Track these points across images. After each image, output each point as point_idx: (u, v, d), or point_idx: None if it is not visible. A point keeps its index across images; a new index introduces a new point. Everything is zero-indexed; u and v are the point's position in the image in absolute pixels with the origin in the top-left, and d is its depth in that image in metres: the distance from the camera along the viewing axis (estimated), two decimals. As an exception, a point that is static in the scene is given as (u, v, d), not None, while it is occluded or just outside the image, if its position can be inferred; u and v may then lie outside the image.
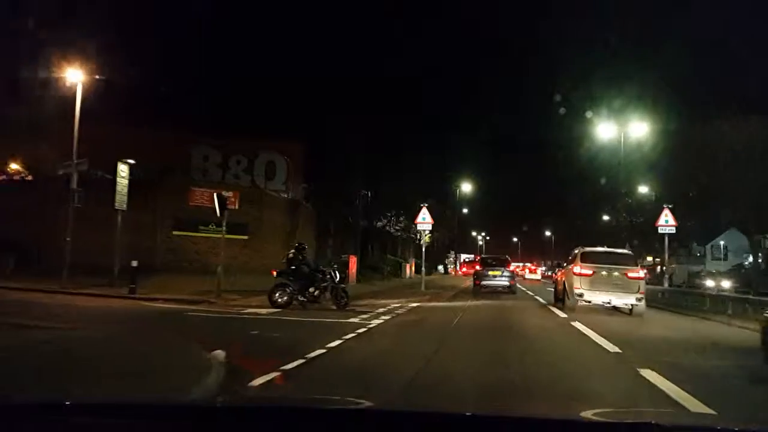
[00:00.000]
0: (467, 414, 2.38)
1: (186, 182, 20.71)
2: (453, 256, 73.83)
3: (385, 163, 37.47)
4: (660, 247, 29.43)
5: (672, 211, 23.41)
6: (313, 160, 34.54)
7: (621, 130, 32.83)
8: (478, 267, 26.99)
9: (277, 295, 14.45)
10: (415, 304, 16.88)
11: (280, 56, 43.58)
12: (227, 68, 39.75)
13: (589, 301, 16.03)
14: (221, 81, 39.66)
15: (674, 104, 32.69)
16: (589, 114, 33.71)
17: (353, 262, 26.26)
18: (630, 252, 20.43)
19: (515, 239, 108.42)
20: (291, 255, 15.01)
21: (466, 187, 65.39)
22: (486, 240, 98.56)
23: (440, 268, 70.49)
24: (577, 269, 16.23)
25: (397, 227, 46.70)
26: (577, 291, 15.96)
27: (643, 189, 35.39)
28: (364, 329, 10.38)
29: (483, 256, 37.24)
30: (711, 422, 2.83)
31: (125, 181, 18.42)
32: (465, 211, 73.67)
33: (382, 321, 11.93)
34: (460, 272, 68.45)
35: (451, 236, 72.23)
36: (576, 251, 17.59)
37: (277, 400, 3.70)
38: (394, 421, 2.17)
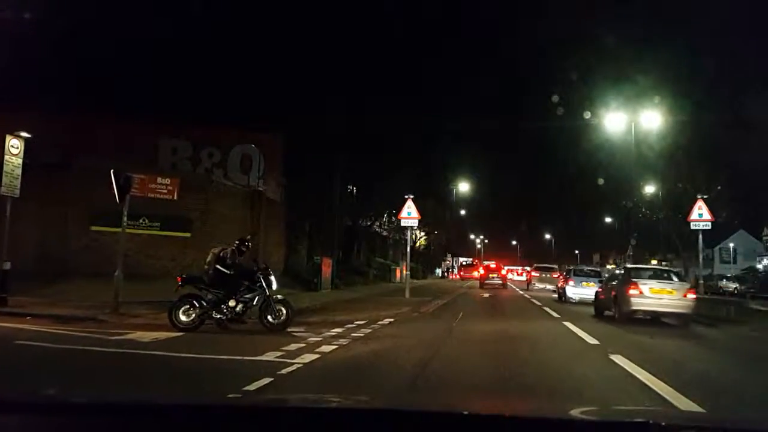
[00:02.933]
0: (464, 413, 2.32)
1: (106, 166, 16.12)
2: (450, 259, 68.85)
3: (375, 159, 33.14)
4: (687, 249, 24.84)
5: (706, 202, 18.90)
6: (295, 154, 30.16)
7: (632, 119, 28.73)
8: (482, 271, 39.03)
9: (181, 312, 9.79)
10: (386, 321, 12.28)
11: (263, 43, 38.91)
12: (202, 55, 35.14)
13: (536, 287, 33.70)
14: (195, 67, 35.18)
15: (691, 91, 28.15)
16: (595, 107, 29.32)
17: (327, 265, 21.67)
18: (555, 265, 40.79)
19: (514, 242, 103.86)
20: (230, 251, 10.33)
21: (465, 189, 60.91)
22: (484, 243, 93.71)
23: (438, 271, 65.82)
24: (533, 273, 37.89)
25: (385, 227, 42.22)
26: (532, 282, 35.98)
27: (657, 183, 30.70)
28: (267, 381, 5.77)
29: (485, 263, 46.96)
30: (707, 422, 2.65)
31: (18, 161, 13.82)
32: (463, 212, 69.06)
33: (314, 357, 7.30)
34: (458, 276, 63.50)
35: (448, 238, 67.59)
36: (533, 265, 40.31)
37: (277, 400, 3.46)
38: (392, 419, 2.10)
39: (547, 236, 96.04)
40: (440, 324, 12.06)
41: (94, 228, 16.42)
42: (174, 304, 9.89)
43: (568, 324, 12.40)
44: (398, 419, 2.11)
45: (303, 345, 8.28)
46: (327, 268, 21.54)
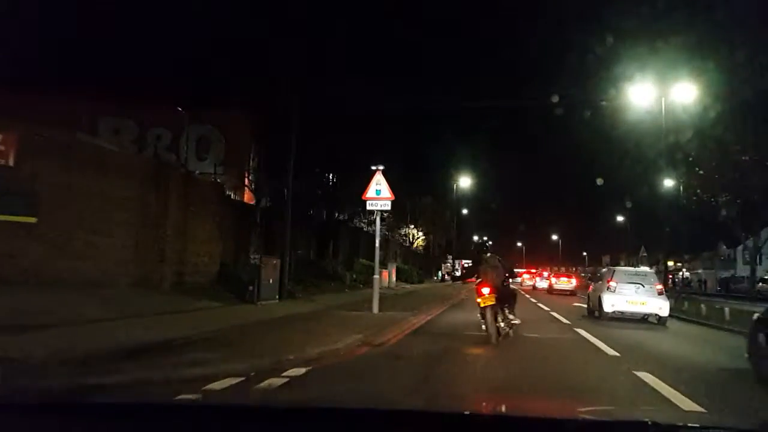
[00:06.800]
0: (465, 413, 2.26)
1: None
2: (451, 261, 62.22)
3: (362, 147, 26.86)
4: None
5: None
6: (266, 138, 23.95)
7: (663, 92, 22.80)
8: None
9: None
10: (296, 371, 6.06)
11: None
12: (154, 22, 28.88)
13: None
14: (144, 36, 29.06)
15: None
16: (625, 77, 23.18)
17: (272, 267, 15.39)
18: (534, 269, 61.22)
19: (519, 243, 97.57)
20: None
21: (467, 188, 54.70)
22: (488, 244, 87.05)
23: (440, 274, 59.43)
24: (525, 276, 54.01)
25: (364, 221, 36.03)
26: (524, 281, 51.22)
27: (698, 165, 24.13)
28: None
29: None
30: (708, 422, 2.51)
31: None
32: (465, 211, 62.74)
33: None
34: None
35: (449, 239, 61.20)
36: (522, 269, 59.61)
37: (278, 400, 3.36)
38: (392, 420, 2.02)
39: (554, 237, 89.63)
40: (390, 385, 5.77)
41: None
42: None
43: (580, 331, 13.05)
44: (400, 419, 2.04)
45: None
46: (271, 272, 15.28)
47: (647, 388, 6.13)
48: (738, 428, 2.18)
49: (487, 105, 31.81)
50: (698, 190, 20.56)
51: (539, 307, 20.24)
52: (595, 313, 15.92)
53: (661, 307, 14.81)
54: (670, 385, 6.10)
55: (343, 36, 26.59)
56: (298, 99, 17.91)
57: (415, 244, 51.37)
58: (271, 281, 15.23)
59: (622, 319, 14.96)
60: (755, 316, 8.16)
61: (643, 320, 15.19)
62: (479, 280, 9.63)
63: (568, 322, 14.46)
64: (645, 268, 18.67)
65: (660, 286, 15.62)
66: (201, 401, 2.47)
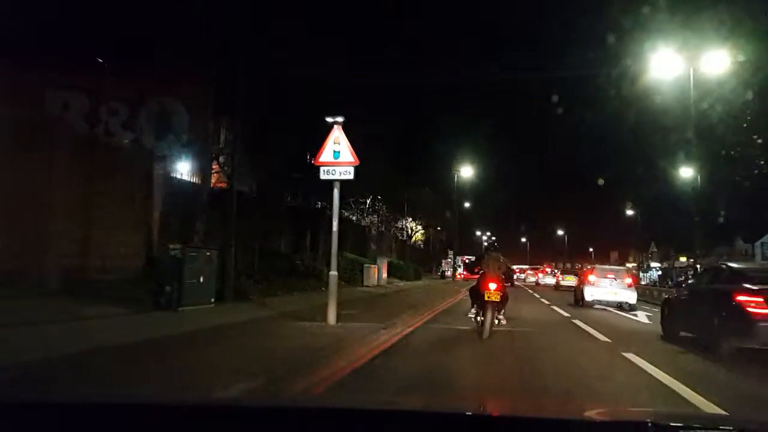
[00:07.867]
0: (466, 413, 2.19)
1: None
2: (452, 257, 58.24)
3: (353, 132, 22.94)
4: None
5: None
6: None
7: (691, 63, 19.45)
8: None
9: None
10: None
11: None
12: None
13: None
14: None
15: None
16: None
17: (202, 261, 11.56)
18: (539, 266, 63.84)
19: (524, 239, 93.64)
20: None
21: (469, 182, 50.86)
22: (492, 240, 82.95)
23: (441, 269, 55.58)
24: (529, 272, 57.03)
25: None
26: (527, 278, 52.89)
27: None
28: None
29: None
30: (709, 422, 2.39)
31: None
32: (467, 205, 58.77)
33: None
34: (461, 277, 52.64)
35: (449, 234, 57.24)
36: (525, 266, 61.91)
37: (276, 400, 3.20)
38: (392, 420, 1.95)
39: (560, 232, 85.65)
40: None
41: None
42: None
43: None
44: (400, 419, 1.98)
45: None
46: (203, 267, 11.46)
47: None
48: (738, 428, 2.09)
49: (501, 78, 28.04)
50: (761, 161, 16.65)
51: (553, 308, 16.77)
52: (579, 302, 18.73)
53: (630, 296, 18.05)
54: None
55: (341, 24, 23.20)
56: (245, 61, 14.18)
57: (413, 239, 47.56)
58: (202, 279, 11.42)
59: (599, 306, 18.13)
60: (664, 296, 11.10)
61: (619, 307, 17.84)
62: (481, 272, 9.43)
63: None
64: (618, 266, 24.80)
65: (630, 280, 18.88)
66: (201, 401, 2.24)
